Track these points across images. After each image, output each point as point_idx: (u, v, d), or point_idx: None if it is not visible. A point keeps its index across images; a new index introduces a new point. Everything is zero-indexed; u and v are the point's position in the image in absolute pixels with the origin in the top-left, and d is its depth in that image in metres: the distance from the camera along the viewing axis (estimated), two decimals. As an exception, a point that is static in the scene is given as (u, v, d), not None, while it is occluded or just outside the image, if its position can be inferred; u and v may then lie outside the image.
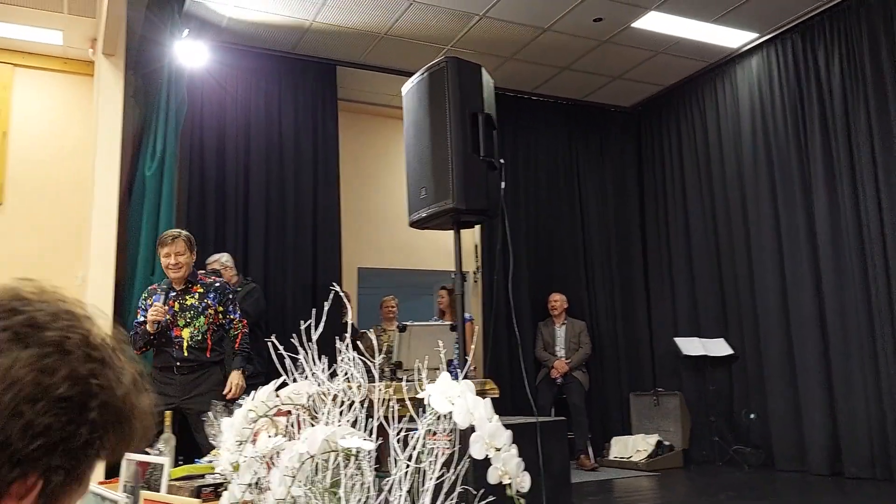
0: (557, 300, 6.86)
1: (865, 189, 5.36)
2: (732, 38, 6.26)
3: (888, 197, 5.20)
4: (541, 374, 6.73)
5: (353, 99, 7.01)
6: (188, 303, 3.76)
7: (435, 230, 3.26)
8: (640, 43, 6.26)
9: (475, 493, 1.41)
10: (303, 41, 6.05)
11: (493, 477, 1.37)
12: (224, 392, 3.68)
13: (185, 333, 3.71)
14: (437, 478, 1.38)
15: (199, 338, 3.72)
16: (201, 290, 3.81)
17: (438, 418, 1.43)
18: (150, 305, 3.69)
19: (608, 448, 6.59)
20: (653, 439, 6.30)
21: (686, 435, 6.44)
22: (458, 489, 1.40)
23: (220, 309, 3.81)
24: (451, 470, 1.39)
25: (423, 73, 3.10)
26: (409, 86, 3.20)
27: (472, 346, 6.71)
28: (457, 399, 1.40)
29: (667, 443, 6.32)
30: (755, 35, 6.23)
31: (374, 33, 5.96)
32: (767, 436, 6.04)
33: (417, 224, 3.09)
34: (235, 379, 3.74)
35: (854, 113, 5.48)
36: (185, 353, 3.69)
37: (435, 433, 1.43)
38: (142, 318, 3.71)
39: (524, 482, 1.41)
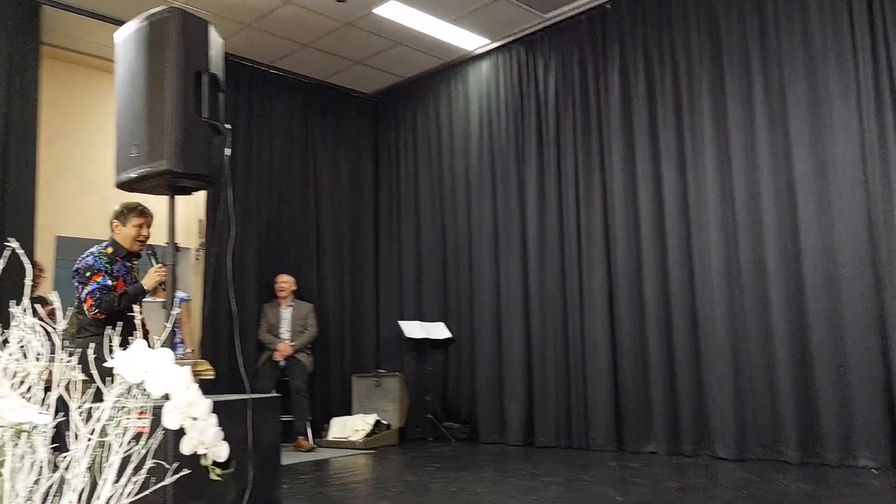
0: (286, 282, 6.74)
1: (568, 191, 6.03)
2: (468, 40, 6.65)
3: (585, 200, 5.90)
4: (263, 356, 6.56)
5: (60, 45, 6.17)
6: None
7: (147, 194, 2.97)
8: (381, 31, 6.37)
9: (168, 466, 1.30)
10: (0, -32, 5.19)
11: (187, 447, 1.28)
12: None
13: None
14: (126, 451, 1.25)
15: None
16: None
17: (130, 390, 1.30)
18: (116, 271, 3.76)
19: (327, 429, 6.64)
20: (371, 419, 6.48)
21: (403, 414, 6.73)
22: (149, 463, 1.28)
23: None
24: (143, 443, 1.27)
25: (142, 21, 2.80)
26: (124, 32, 2.87)
27: (185, 327, 6.36)
28: (150, 367, 1.28)
29: (384, 422, 6.55)
30: (487, 41, 6.68)
31: (92, -26, 5.31)
32: (474, 412, 6.54)
33: (126, 185, 2.79)
34: None
35: (563, 121, 6.14)
36: None
37: (127, 409, 1.29)
38: (110, 282, 3.71)
39: (221, 451, 1.33)
